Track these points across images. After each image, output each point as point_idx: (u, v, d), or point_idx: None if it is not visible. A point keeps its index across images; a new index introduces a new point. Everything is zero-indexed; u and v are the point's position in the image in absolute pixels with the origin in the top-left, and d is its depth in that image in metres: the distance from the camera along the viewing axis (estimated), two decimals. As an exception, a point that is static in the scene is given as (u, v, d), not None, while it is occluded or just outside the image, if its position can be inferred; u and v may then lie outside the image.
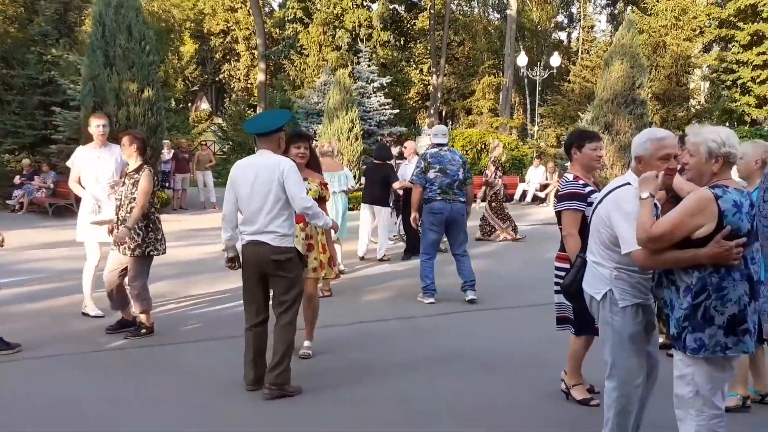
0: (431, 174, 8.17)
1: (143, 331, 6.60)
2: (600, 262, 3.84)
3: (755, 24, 34.54)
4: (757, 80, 33.95)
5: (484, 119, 39.33)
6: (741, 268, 3.34)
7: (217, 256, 11.31)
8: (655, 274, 3.62)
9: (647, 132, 3.90)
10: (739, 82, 34.75)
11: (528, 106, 40.43)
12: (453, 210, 8.16)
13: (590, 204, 4.57)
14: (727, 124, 32.99)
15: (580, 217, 4.74)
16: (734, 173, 3.86)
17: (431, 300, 8.26)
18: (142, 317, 6.62)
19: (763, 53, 34.45)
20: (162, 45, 36.89)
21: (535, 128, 32.15)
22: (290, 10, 42.87)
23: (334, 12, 39.77)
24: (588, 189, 4.83)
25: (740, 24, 35.03)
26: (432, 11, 42.46)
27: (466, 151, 23.61)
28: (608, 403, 3.89)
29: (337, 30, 40.15)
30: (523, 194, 22.54)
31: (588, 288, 3.94)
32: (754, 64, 34.64)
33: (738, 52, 35.04)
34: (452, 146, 23.62)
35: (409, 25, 45.50)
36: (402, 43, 44.80)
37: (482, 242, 13.20)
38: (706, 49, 38.04)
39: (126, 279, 6.60)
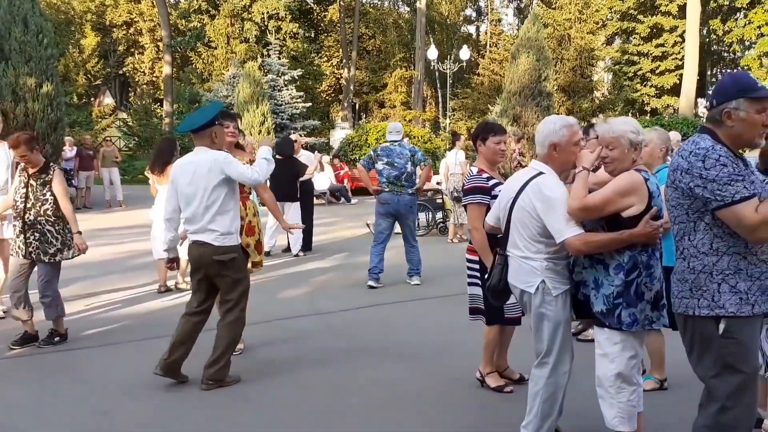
0: (380, 165, 8.68)
1: (57, 339, 6.22)
2: (529, 256, 3.84)
3: (654, 17, 36.05)
4: (656, 71, 35.43)
5: (396, 112, 39.61)
6: (659, 248, 3.62)
7: (126, 256, 10.97)
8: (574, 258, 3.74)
9: (559, 119, 3.96)
10: (640, 73, 36.20)
11: (440, 99, 40.92)
12: (399, 202, 8.66)
13: (494, 197, 4.64)
14: (629, 114, 34.33)
15: (485, 210, 4.74)
16: None
17: (373, 282, 8.67)
18: (56, 324, 6.25)
19: (662, 45, 36.05)
20: (61, 38, 35.46)
21: (447, 121, 32.55)
22: (195, 1, 41.95)
23: (242, 3, 39.12)
24: (492, 182, 4.88)
25: (640, 17, 36.49)
26: (342, 3, 42.35)
27: (380, 143, 23.67)
28: (535, 390, 3.90)
29: (245, 22, 39.53)
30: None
31: (517, 283, 3.92)
32: (653, 55, 36.18)
33: (638, 44, 36.52)
34: (366, 139, 23.76)
35: (318, 17, 45.24)
36: (312, 35, 44.52)
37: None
38: (609, 41, 39.46)
39: (38, 284, 6.15)
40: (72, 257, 6.23)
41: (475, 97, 34.36)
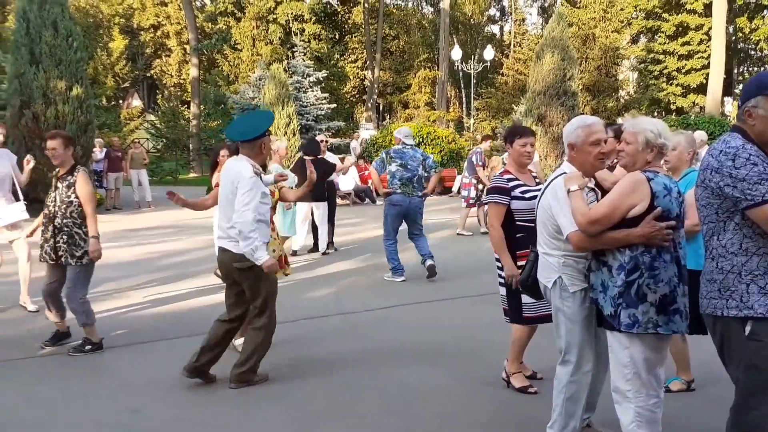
0: (393, 167, 8.99)
1: (88, 347, 6.06)
2: (548, 252, 3.94)
3: (680, 15, 35.69)
4: (682, 70, 35.08)
5: (420, 112, 39.65)
6: (671, 251, 3.50)
7: (156, 256, 11.15)
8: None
9: (577, 120, 4.02)
10: (666, 71, 35.87)
11: (464, 99, 40.88)
12: (411, 203, 9.01)
13: (514, 198, 4.93)
14: (656, 113, 34.02)
15: (503, 210, 4.95)
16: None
17: (402, 278, 9.12)
18: (87, 331, 6.12)
19: (687, 43, 35.69)
20: (90, 41, 35.96)
21: (471, 121, 32.53)
22: (222, 3, 42.31)
23: (267, 5, 39.40)
24: (512, 183, 5.01)
25: (665, 15, 36.15)
26: (366, 5, 42.47)
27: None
28: (559, 388, 3.95)
29: (270, 24, 39.79)
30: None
31: (541, 278, 4.02)
32: (679, 54, 35.83)
33: (664, 43, 36.18)
34: (391, 140, 23.80)
35: (343, 19, 45.42)
36: (337, 37, 44.71)
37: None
38: (634, 40, 39.15)
39: (64, 290, 6.10)
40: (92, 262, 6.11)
41: (499, 97, 34.33)
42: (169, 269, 9.95)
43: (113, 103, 46.13)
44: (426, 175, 9.11)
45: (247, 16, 40.14)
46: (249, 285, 5.15)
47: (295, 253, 11.01)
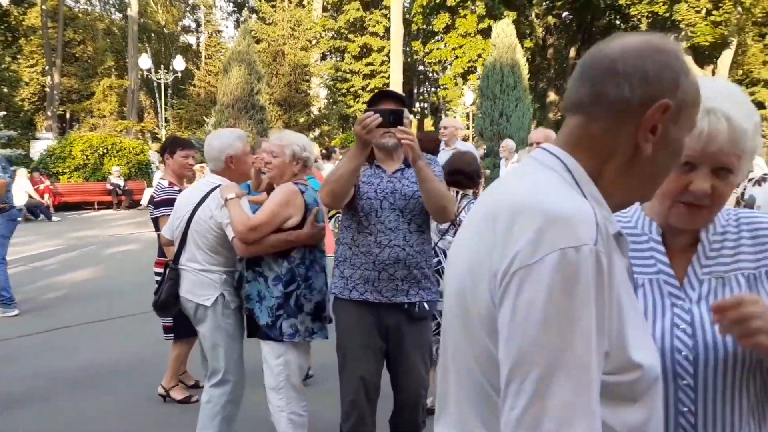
0: None
1: None
2: (208, 269, 3.86)
3: (363, 37, 38.19)
4: (367, 88, 37.56)
5: (107, 122, 37.52)
6: (320, 261, 3.73)
7: None
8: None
9: (231, 132, 4.12)
10: (352, 90, 38.10)
11: (159, 109, 39.61)
12: None
13: None
14: (343, 129, 35.99)
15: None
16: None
17: (16, 311, 7.95)
18: None
19: (371, 64, 38.29)
20: None
21: (163, 132, 31.64)
22: None
23: None
24: None
25: (351, 36, 38.43)
26: (44, 7, 39.22)
27: (87, 156, 22.31)
28: (215, 410, 3.83)
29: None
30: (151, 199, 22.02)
31: (192, 297, 3.88)
32: (363, 73, 38.31)
33: (350, 63, 38.41)
34: (71, 150, 22.22)
35: (17, 21, 41.41)
36: (10, 39, 40.66)
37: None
38: (324, 58, 41.03)
39: None
40: None
41: (191, 108, 33.84)
42: None
43: None
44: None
45: None
46: None
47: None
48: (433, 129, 29.11)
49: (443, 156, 6.56)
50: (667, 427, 1.44)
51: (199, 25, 54.10)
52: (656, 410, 1.19)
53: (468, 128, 28.70)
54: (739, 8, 27.06)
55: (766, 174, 3.56)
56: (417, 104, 48.35)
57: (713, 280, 1.50)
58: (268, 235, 3.54)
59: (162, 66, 31.21)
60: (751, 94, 31.06)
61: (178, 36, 50.40)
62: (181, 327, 4.91)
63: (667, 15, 28.82)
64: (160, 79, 29.75)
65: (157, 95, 38.76)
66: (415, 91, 48.17)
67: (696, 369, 1.44)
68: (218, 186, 3.88)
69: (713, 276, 1.50)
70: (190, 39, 54.42)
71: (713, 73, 30.83)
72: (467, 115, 31.47)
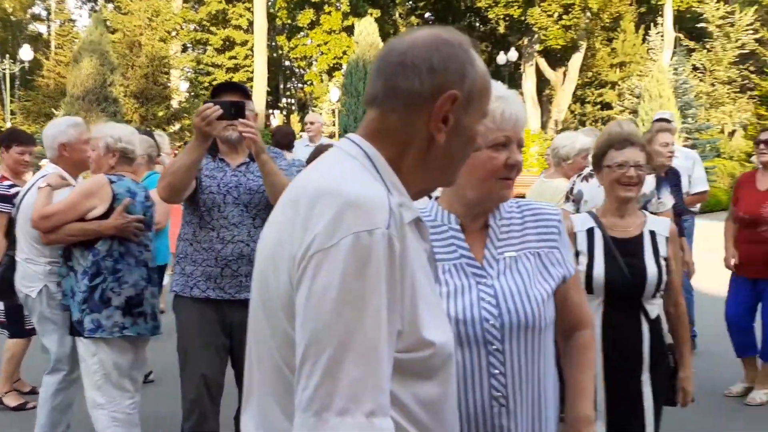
0: None
1: None
2: (32, 259, 3.86)
3: (226, 30, 37.47)
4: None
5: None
6: (136, 254, 3.57)
7: None
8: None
9: (67, 120, 4.13)
10: (215, 83, 37.25)
11: (5, 101, 37.08)
12: None
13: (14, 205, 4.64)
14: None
15: (6, 219, 4.67)
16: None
17: None
18: None
19: (234, 57, 37.64)
20: None
21: (7, 124, 29.69)
22: None
23: None
24: (13, 190, 4.74)
25: (213, 29, 37.59)
26: None
27: None
28: (45, 398, 3.85)
29: None
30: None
31: (21, 287, 3.90)
32: (227, 67, 37.59)
33: (213, 56, 37.59)
34: None
35: None
36: None
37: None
38: (185, 50, 39.83)
39: None
40: None
41: (39, 100, 31.95)
42: None
43: None
44: None
45: None
46: None
47: None
48: (300, 125, 28.91)
49: (305, 151, 6.52)
50: (481, 389, 1.67)
51: (49, 13, 51.22)
52: (451, 385, 1.26)
53: (334, 125, 28.75)
54: (588, 13, 28.62)
55: (592, 171, 3.86)
56: (284, 100, 48.01)
57: (508, 258, 1.76)
58: (65, 224, 3.48)
59: (8, 55, 29.40)
60: (600, 95, 33.01)
61: (26, 24, 47.56)
62: (17, 324, 4.79)
63: (522, 18, 30.00)
64: (5, 69, 28.03)
65: (2, 86, 36.34)
66: (282, 86, 47.79)
67: (503, 334, 1.69)
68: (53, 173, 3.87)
69: (507, 255, 1.76)
70: (41, 28, 51.56)
71: (564, 75, 32.51)
72: (333, 111, 31.50)
